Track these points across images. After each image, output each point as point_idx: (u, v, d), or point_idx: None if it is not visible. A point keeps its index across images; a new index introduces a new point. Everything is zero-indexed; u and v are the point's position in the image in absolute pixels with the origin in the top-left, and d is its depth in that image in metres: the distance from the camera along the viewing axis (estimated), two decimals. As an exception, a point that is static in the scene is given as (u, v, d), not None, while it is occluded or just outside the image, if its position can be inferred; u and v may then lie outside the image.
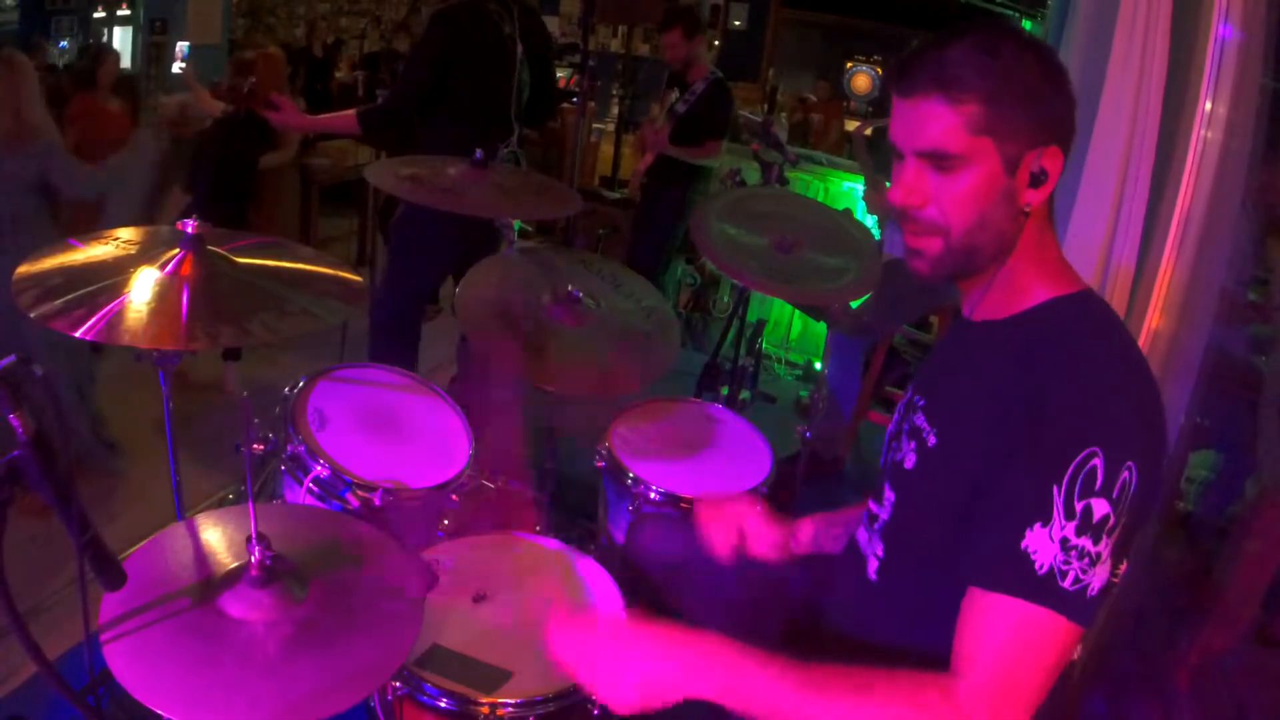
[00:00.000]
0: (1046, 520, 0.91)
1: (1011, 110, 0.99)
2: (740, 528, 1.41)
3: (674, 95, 4.24)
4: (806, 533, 1.43)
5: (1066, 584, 0.90)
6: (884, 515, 1.19)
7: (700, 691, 0.96)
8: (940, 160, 1.02)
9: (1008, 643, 0.90)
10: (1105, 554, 0.91)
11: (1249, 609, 2.24)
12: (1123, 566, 0.92)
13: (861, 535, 1.25)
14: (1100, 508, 0.91)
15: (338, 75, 7.18)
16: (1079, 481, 0.91)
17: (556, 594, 1.48)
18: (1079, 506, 0.90)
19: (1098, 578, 0.91)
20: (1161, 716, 2.16)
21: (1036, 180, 1.02)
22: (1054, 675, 0.91)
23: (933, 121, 1.01)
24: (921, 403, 1.17)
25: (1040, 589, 0.90)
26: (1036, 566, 0.90)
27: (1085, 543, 0.90)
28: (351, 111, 2.77)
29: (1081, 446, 0.91)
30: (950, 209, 1.03)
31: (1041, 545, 0.90)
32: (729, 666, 0.96)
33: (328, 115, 3.06)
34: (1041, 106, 1.01)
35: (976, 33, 1.01)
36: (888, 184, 1.14)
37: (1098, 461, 0.91)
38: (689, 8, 4.53)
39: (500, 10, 2.80)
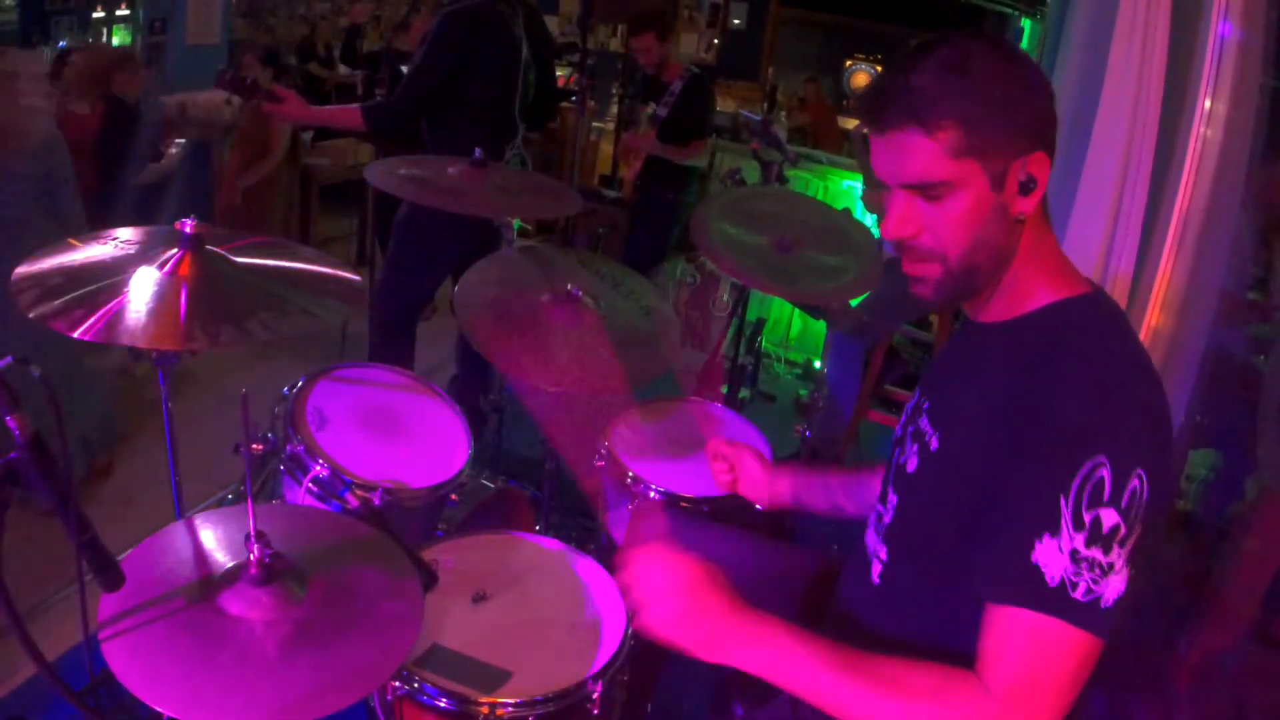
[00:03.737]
0: (1055, 532, 0.90)
1: (990, 126, 0.97)
2: (736, 466, 1.53)
3: (650, 108, 4.18)
4: (785, 487, 1.50)
5: (1078, 595, 0.89)
6: (887, 518, 1.19)
7: (749, 665, 0.98)
8: (927, 190, 1.00)
9: (1026, 654, 0.90)
10: (1119, 564, 0.90)
11: (1249, 609, 2.24)
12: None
13: (869, 536, 1.25)
14: (1109, 518, 0.89)
15: (355, 58, 7.19)
16: (1086, 492, 0.90)
17: (557, 594, 1.48)
18: (1088, 518, 0.89)
19: (1112, 588, 0.89)
20: (1161, 716, 2.16)
21: (1025, 189, 1.01)
22: (1077, 684, 0.90)
23: (913, 154, 0.99)
24: (926, 405, 1.16)
25: (1052, 601, 0.89)
26: (1047, 579, 0.89)
27: (1095, 554, 0.89)
28: (355, 106, 2.74)
29: (1087, 455, 0.90)
30: (944, 235, 1.02)
31: (1051, 558, 0.89)
32: (777, 645, 0.98)
33: (330, 108, 3.04)
34: (1019, 115, 0.99)
35: (941, 50, 0.98)
36: None
37: (1105, 471, 0.90)
38: (660, 10, 4.48)
39: (509, 10, 2.78)
